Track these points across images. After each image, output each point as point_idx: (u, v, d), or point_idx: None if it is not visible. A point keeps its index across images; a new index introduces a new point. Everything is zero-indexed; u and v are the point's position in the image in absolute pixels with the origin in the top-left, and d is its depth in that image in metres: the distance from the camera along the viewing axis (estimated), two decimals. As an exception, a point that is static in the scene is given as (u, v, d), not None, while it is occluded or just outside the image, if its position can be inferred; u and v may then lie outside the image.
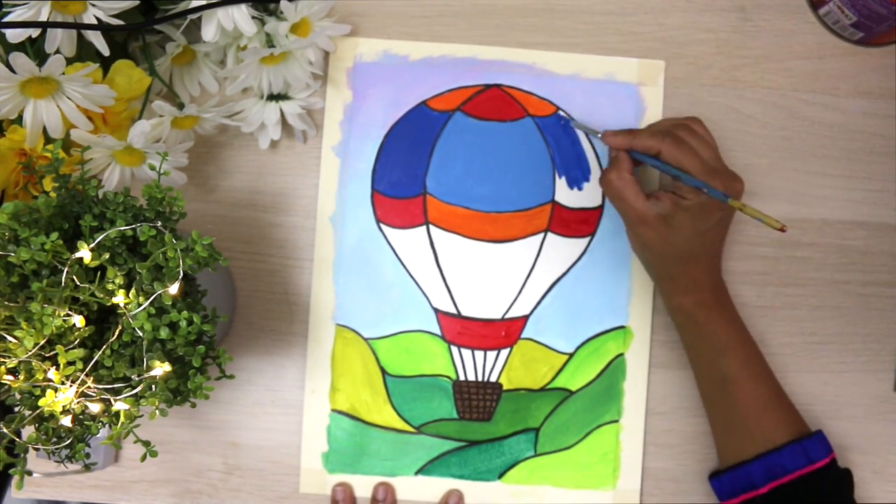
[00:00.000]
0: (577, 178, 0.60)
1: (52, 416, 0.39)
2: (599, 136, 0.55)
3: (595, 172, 0.60)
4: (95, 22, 0.47)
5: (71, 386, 0.39)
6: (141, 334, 0.40)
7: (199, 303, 0.46)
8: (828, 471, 0.52)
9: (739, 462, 0.53)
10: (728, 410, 0.54)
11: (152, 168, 0.50)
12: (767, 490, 0.51)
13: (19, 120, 0.47)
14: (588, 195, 0.60)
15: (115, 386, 0.40)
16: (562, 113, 0.59)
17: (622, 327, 0.60)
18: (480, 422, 0.59)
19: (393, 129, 0.60)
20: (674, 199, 0.51)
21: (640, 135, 0.52)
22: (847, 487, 0.53)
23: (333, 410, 0.59)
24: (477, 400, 0.59)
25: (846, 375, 0.60)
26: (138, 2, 0.48)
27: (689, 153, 0.50)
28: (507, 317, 0.59)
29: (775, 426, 0.53)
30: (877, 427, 0.60)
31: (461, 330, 0.59)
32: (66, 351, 0.39)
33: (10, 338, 0.39)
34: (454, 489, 0.59)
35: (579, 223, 0.60)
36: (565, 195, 0.60)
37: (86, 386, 0.39)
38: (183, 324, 0.41)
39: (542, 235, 0.59)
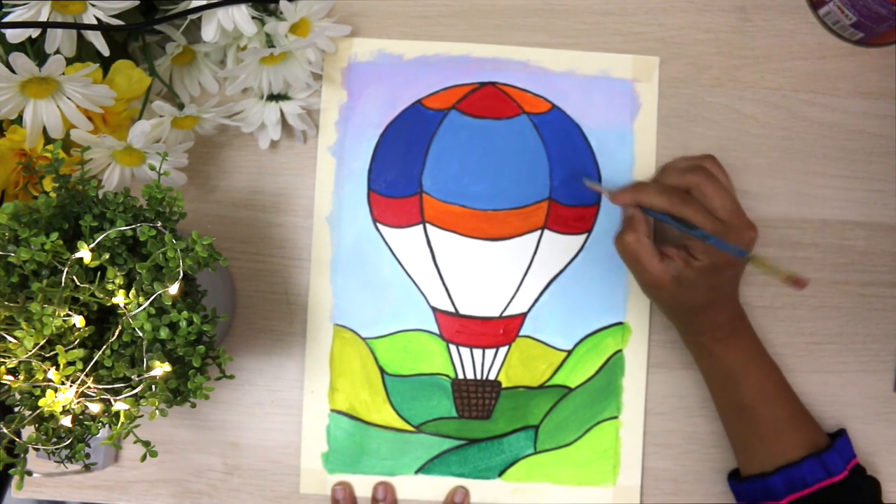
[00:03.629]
0: (572, 191, 0.60)
1: (52, 416, 0.39)
2: (609, 197, 0.53)
3: (591, 171, 0.60)
4: (95, 22, 0.47)
5: (71, 386, 0.39)
6: (141, 334, 0.40)
7: (199, 303, 0.46)
8: (847, 482, 0.52)
9: (759, 474, 0.53)
10: (746, 434, 0.55)
11: (152, 168, 0.50)
12: (787, 502, 0.52)
13: (19, 120, 0.47)
14: (585, 192, 0.60)
15: (115, 386, 0.40)
16: (587, 182, 0.58)
17: (620, 324, 0.60)
18: (480, 420, 0.59)
19: (388, 129, 0.60)
20: (685, 259, 0.50)
21: (648, 191, 0.50)
22: (869, 494, 0.53)
23: (333, 410, 0.59)
24: (476, 398, 0.59)
25: (846, 375, 0.60)
26: (138, 2, 0.48)
27: (698, 209, 0.49)
28: (505, 314, 0.59)
29: (792, 445, 0.53)
30: (877, 427, 0.60)
31: (459, 328, 0.59)
32: (66, 351, 0.39)
33: (10, 338, 0.39)
34: (459, 486, 0.59)
35: (576, 220, 0.60)
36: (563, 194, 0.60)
37: (86, 386, 0.39)
38: (183, 324, 0.41)
39: (538, 233, 0.59)
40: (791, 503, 0.52)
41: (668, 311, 0.54)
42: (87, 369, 0.39)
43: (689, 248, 0.50)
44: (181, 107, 0.52)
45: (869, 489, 0.53)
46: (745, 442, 0.55)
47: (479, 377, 0.59)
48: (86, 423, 0.42)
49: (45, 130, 0.48)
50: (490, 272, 0.59)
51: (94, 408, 0.40)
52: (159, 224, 0.42)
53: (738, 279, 0.54)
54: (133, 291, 0.40)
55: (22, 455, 0.40)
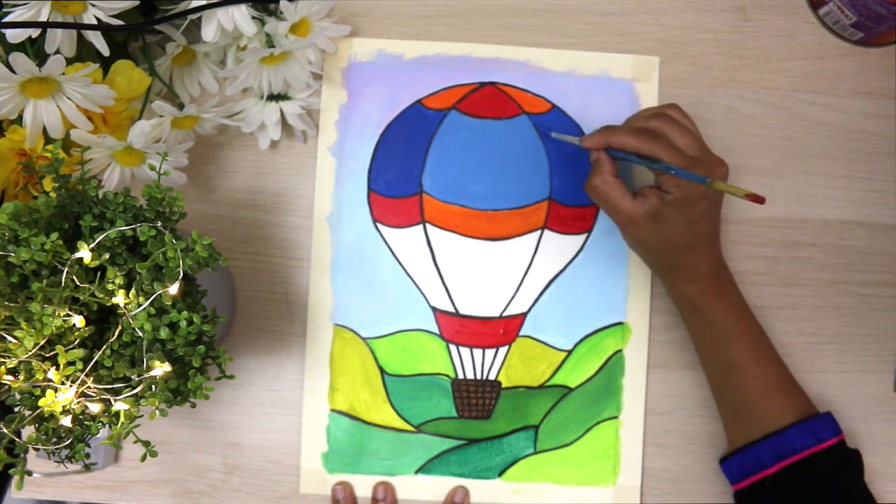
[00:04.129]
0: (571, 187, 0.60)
1: (52, 416, 0.39)
2: (579, 143, 0.54)
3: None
4: (95, 22, 0.47)
5: (71, 386, 0.39)
6: (141, 334, 0.40)
7: (199, 303, 0.46)
8: (836, 450, 0.51)
9: (748, 443, 0.53)
10: (736, 396, 0.54)
11: (152, 168, 0.50)
12: (776, 470, 0.51)
13: (19, 120, 0.47)
14: (584, 192, 0.60)
15: (115, 386, 0.40)
16: (555, 134, 0.59)
17: (620, 324, 0.60)
18: (480, 420, 0.59)
19: (388, 129, 0.60)
20: (659, 195, 0.50)
21: (616, 132, 0.52)
22: (857, 468, 0.52)
23: (333, 410, 0.59)
24: (476, 398, 0.59)
25: (846, 375, 0.60)
26: (138, 2, 0.48)
27: (665, 146, 0.50)
28: (505, 314, 0.59)
29: (783, 409, 0.53)
30: (877, 427, 0.60)
31: (459, 328, 0.59)
32: (66, 351, 0.39)
33: (10, 338, 0.39)
34: (459, 486, 0.59)
35: (576, 220, 0.60)
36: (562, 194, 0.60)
37: (86, 386, 0.39)
38: (183, 324, 0.41)
39: (538, 233, 0.59)
40: (780, 471, 0.51)
41: (650, 254, 0.54)
42: (87, 369, 0.39)
43: (661, 183, 0.51)
44: (181, 107, 0.52)
45: (856, 461, 0.53)
46: (734, 407, 0.54)
47: (479, 377, 0.59)
48: (86, 423, 0.42)
49: (45, 130, 0.48)
50: (490, 272, 0.59)
51: (94, 408, 0.40)
52: (159, 224, 0.42)
53: (717, 223, 0.54)
54: (133, 291, 0.40)
55: (22, 455, 0.40)
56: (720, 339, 0.54)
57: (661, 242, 0.52)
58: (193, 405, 0.45)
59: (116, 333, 0.40)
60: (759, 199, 0.42)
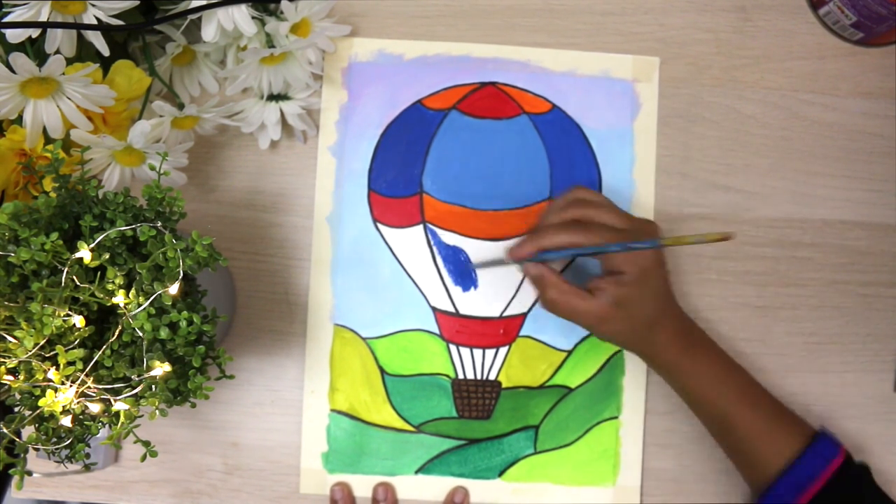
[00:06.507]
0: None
1: (52, 416, 0.39)
2: (506, 260, 0.53)
3: (592, 171, 0.60)
4: (95, 22, 0.47)
5: (71, 386, 0.39)
6: (141, 334, 0.40)
7: (199, 303, 0.46)
8: (848, 465, 0.51)
9: (767, 488, 0.52)
10: (740, 443, 0.53)
11: (152, 168, 0.50)
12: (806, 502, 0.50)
13: (19, 120, 0.47)
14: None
15: (115, 386, 0.40)
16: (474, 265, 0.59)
17: (621, 325, 0.60)
18: (480, 420, 0.59)
19: (388, 129, 0.60)
20: (613, 281, 0.49)
21: (546, 234, 0.50)
22: (870, 474, 0.52)
23: (333, 410, 0.59)
24: (476, 398, 0.59)
25: (846, 375, 0.60)
26: (138, 2, 0.48)
27: (599, 229, 0.49)
28: (505, 315, 0.59)
29: (788, 441, 0.52)
30: (877, 427, 0.60)
31: (459, 328, 0.59)
32: (66, 351, 0.39)
33: (10, 338, 0.39)
34: (459, 486, 0.59)
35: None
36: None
37: (86, 386, 0.39)
38: (183, 324, 0.41)
39: (539, 233, 0.59)
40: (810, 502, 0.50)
41: (627, 341, 0.52)
42: (87, 369, 0.39)
43: (612, 268, 0.49)
44: (181, 107, 0.52)
45: (866, 469, 0.52)
46: (742, 451, 0.53)
47: (479, 377, 0.59)
48: (86, 423, 0.42)
49: (45, 130, 0.48)
50: (490, 272, 0.59)
51: (94, 408, 0.40)
52: (159, 224, 0.42)
53: (670, 281, 0.53)
54: (133, 291, 0.40)
55: (22, 455, 0.40)
56: (710, 394, 0.53)
57: (634, 324, 0.51)
58: (193, 405, 0.45)
59: (116, 333, 0.40)
60: (729, 237, 0.41)
